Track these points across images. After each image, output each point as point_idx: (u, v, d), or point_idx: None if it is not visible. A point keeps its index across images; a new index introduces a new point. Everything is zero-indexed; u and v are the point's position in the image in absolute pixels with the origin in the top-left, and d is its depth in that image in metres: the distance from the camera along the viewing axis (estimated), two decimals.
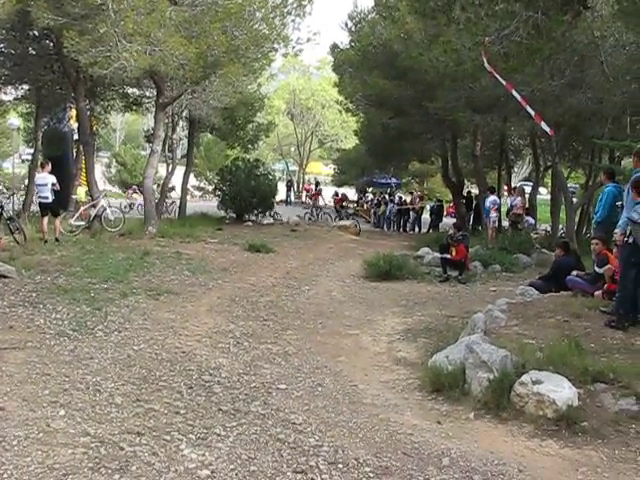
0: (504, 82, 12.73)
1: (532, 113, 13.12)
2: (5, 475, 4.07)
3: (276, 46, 18.04)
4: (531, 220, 21.21)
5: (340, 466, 4.49)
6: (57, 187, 14.23)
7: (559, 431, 5.10)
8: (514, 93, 12.94)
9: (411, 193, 35.59)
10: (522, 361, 5.88)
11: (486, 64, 11.87)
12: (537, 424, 5.22)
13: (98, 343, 7.18)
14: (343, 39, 34.77)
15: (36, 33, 17.59)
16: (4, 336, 7.10)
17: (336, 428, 5.22)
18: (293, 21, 17.51)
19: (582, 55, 15.50)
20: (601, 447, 4.89)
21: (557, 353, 5.96)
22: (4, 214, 13.98)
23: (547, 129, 13.78)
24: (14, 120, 27.77)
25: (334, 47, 28.41)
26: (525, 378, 5.48)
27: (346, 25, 25.94)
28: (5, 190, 30.70)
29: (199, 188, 43.50)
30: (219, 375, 6.44)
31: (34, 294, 9.01)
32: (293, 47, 18.46)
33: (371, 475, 4.38)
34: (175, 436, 4.83)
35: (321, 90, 51.44)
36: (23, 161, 42.16)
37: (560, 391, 5.29)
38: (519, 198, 18.88)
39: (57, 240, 13.86)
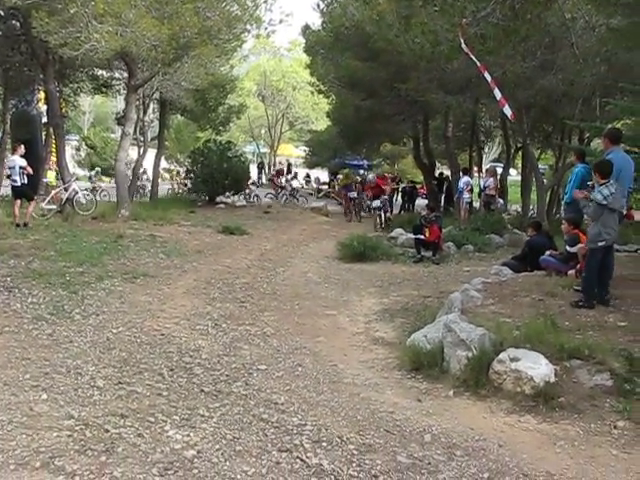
0: (479, 63, 12.74)
1: (498, 97, 13.08)
2: None
3: (248, 27, 17.95)
4: (501, 201, 21.42)
5: (324, 444, 4.55)
6: (28, 170, 13.93)
7: (537, 407, 5.22)
8: (486, 75, 12.93)
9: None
10: (500, 339, 5.98)
11: (463, 45, 11.86)
12: (515, 400, 5.33)
13: (76, 327, 7.17)
14: (315, 20, 34.65)
15: (2, 13, 17.18)
16: None
17: (318, 407, 5.28)
18: (265, 2, 17.53)
19: (553, 37, 15.57)
20: (577, 421, 5.01)
21: (533, 331, 6.07)
22: None
23: (508, 113, 13.76)
24: None
25: (306, 28, 28.12)
26: (503, 356, 5.58)
27: (318, 6, 25.58)
28: None
29: (169, 170, 43.09)
30: (199, 357, 6.47)
31: (8, 279, 8.93)
32: (265, 28, 18.47)
33: (355, 452, 4.45)
34: (159, 417, 4.85)
35: (292, 72, 51.03)
36: None
37: (537, 368, 5.41)
38: (491, 179, 19.01)
39: (24, 225, 13.38)
